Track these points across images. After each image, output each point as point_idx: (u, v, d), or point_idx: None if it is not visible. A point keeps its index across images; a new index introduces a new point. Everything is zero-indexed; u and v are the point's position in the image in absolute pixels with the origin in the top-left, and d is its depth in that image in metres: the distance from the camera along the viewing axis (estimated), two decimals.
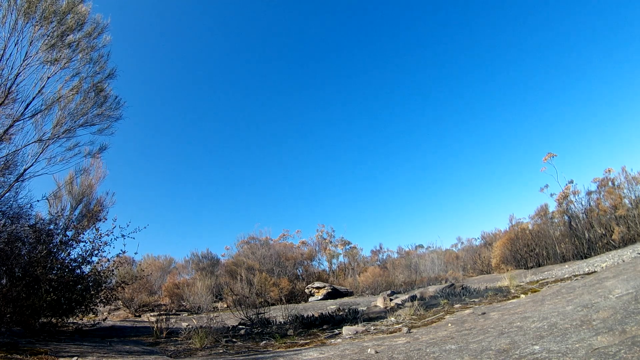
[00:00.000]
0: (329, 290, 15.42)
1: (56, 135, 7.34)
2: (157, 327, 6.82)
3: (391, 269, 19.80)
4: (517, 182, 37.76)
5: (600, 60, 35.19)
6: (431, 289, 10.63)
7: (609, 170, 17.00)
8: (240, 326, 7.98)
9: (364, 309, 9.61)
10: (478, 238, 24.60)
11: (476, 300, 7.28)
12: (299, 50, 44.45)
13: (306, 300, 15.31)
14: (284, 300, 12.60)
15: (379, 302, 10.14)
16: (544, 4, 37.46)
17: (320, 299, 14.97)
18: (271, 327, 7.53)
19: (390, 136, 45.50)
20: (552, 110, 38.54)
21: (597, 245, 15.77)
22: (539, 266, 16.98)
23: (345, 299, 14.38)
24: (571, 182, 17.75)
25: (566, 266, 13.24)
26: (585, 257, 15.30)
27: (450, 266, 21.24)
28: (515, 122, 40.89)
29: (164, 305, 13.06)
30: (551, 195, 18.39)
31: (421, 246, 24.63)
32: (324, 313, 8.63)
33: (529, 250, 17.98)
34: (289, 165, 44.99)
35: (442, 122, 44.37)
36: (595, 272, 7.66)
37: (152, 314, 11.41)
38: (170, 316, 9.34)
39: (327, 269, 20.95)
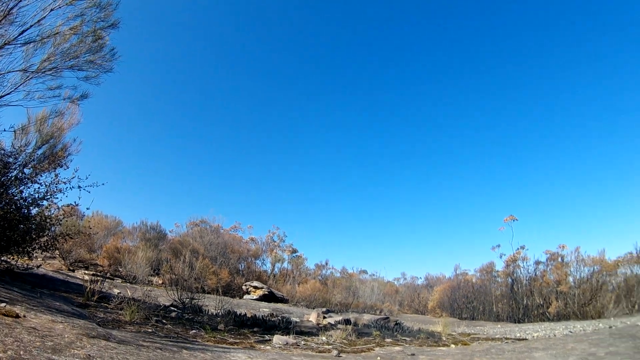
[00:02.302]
0: (266, 292, 15.47)
1: (42, 70, 7.12)
2: (90, 288, 6.69)
3: (331, 286, 20.12)
4: (471, 234, 39.43)
5: (590, 132, 37.38)
6: (366, 317, 10.98)
7: (563, 247, 17.53)
8: (173, 308, 7.95)
9: (297, 320, 9.80)
10: (421, 278, 25.53)
11: (407, 339, 7.59)
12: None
13: (241, 297, 15.29)
14: (220, 292, 12.54)
15: (312, 317, 10.35)
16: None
17: (256, 299, 15.00)
18: (203, 316, 7.56)
19: (360, 158, 46.29)
20: (519, 175, 40.70)
21: (533, 313, 16.36)
22: (473, 319, 17.76)
23: (280, 305, 14.50)
24: (522, 247, 18.52)
25: (499, 326, 13.70)
26: (519, 322, 15.86)
27: (388, 298, 21.83)
28: (487, 176, 42.80)
29: (101, 266, 12.63)
30: (501, 256, 18.95)
31: (365, 272, 25.14)
32: (257, 315, 8.74)
33: (467, 302, 18.82)
34: (259, 158, 44.75)
35: (416, 157, 45.74)
36: (526, 339, 8.05)
37: (86, 272, 11.01)
38: (105, 279, 9.12)
39: (269, 270, 20.98)
